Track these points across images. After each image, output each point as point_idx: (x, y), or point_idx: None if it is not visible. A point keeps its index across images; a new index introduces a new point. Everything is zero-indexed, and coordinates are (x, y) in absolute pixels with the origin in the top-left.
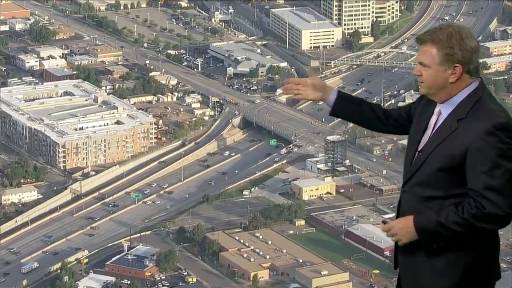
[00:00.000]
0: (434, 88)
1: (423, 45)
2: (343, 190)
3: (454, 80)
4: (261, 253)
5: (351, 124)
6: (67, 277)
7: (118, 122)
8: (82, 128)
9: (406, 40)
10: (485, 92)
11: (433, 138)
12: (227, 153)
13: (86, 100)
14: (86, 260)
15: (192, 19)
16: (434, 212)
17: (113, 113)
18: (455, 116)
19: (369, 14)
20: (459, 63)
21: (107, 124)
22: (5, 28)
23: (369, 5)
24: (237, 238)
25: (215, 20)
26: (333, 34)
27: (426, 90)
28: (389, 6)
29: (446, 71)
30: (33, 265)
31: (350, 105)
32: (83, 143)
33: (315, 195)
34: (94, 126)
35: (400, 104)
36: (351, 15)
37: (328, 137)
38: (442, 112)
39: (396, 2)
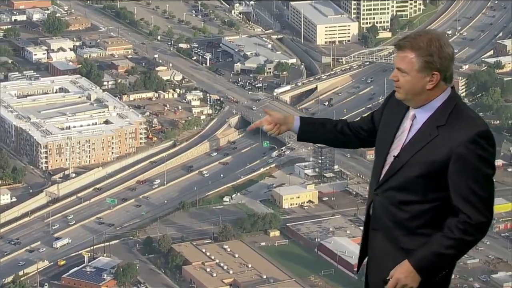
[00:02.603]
0: (411, 94)
1: (401, 51)
2: (327, 198)
3: (431, 87)
4: (226, 267)
5: None
6: None
7: (106, 122)
8: (69, 127)
9: None
10: (459, 99)
11: (411, 144)
12: (157, 181)
13: (79, 98)
14: (64, 262)
15: (212, 11)
16: (423, 245)
17: (103, 112)
18: (434, 122)
19: (388, 8)
20: (437, 71)
21: (95, 123)
22: (22, 18)
23: None
24: (204, 250)
25: (234, 12)
26: (349, 29)
27: (403, 95)
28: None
29: (424, 78)
30: None
31: (315, 128)
32: (66, 143)
33: (296, 204)
34: (81, 126)
35: None
36: (370, 9)
37: None
38: (417, 116)
39: None
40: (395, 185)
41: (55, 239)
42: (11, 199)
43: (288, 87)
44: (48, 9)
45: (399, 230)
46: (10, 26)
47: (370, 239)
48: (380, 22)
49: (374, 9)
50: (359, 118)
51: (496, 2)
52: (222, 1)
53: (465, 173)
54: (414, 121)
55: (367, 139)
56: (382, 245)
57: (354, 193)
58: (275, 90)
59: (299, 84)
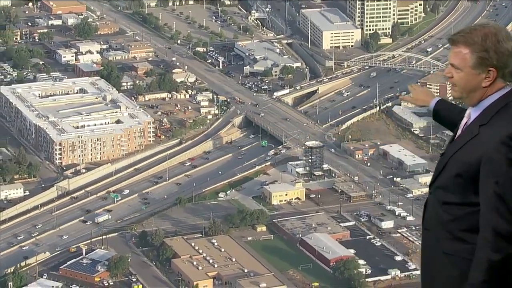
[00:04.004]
0: (466, 91)
1: (455, 46)
2: (314, 195)
3: (487, 85)
4: (211, 261)
5: (342, 127)
6: (11, 283)
7: (118, 121)
8: (83, 126)
9: (423, 42)
10: None
11: (455, 142)
12: (129, 189)
13: (96, 98)
14: (75, 249)
15: (230, 17)
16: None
17: (116, 112)
18: (479, 121)
19: (390, 16)
20: (493, 67)
21: (107, 122)
22: (58, 22)
23: (389, 8)
24: (193, 244)
25: (251, 18)
26: (352, 35)
27: (458, 93)
28: (412, 8)
29: (479, 75)
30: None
31: (448, 114)
32: (79, 141)
33: (285, 200)
34: (95, 125)
35: (395, 107)
36: (373, 17)
37: (307, 143)
38: (471, 115)
39: (420, 4)
40: (440, 184)
41: (97, 215)
42: (24, 193)
43: (287, 90)
44: (82, 15)
45: (444, 232)
46: (46, 30)
47: (422, 238)
48: (382, 29)
49: (376, 17)
50: None
51: (498, 0)
52: (240, 8)
53: (493, 177)
54: (468, 120)
55: None
56: (430, 246)
57: (340, 191)
58: (274, 93)
59: (298, 87)
